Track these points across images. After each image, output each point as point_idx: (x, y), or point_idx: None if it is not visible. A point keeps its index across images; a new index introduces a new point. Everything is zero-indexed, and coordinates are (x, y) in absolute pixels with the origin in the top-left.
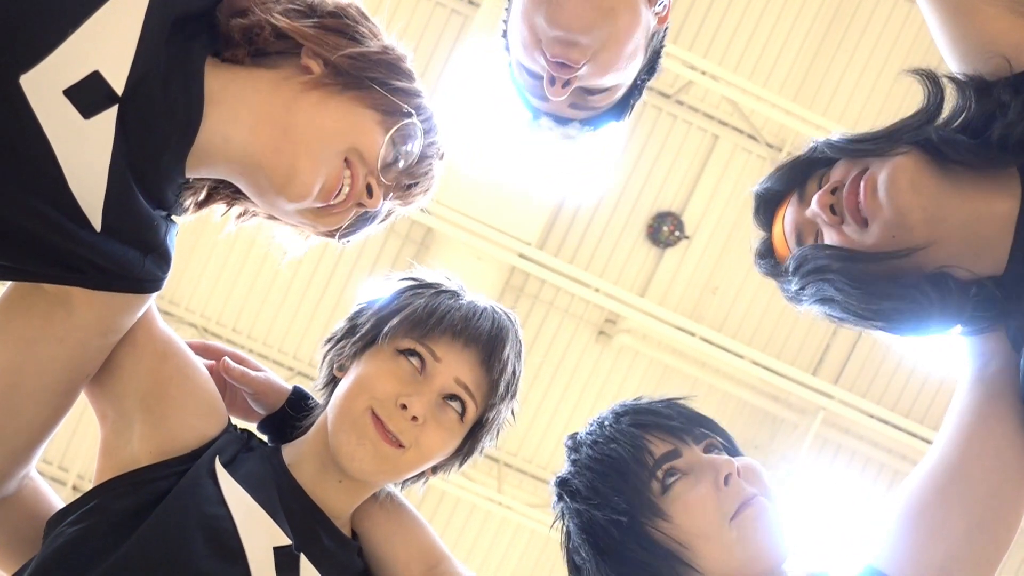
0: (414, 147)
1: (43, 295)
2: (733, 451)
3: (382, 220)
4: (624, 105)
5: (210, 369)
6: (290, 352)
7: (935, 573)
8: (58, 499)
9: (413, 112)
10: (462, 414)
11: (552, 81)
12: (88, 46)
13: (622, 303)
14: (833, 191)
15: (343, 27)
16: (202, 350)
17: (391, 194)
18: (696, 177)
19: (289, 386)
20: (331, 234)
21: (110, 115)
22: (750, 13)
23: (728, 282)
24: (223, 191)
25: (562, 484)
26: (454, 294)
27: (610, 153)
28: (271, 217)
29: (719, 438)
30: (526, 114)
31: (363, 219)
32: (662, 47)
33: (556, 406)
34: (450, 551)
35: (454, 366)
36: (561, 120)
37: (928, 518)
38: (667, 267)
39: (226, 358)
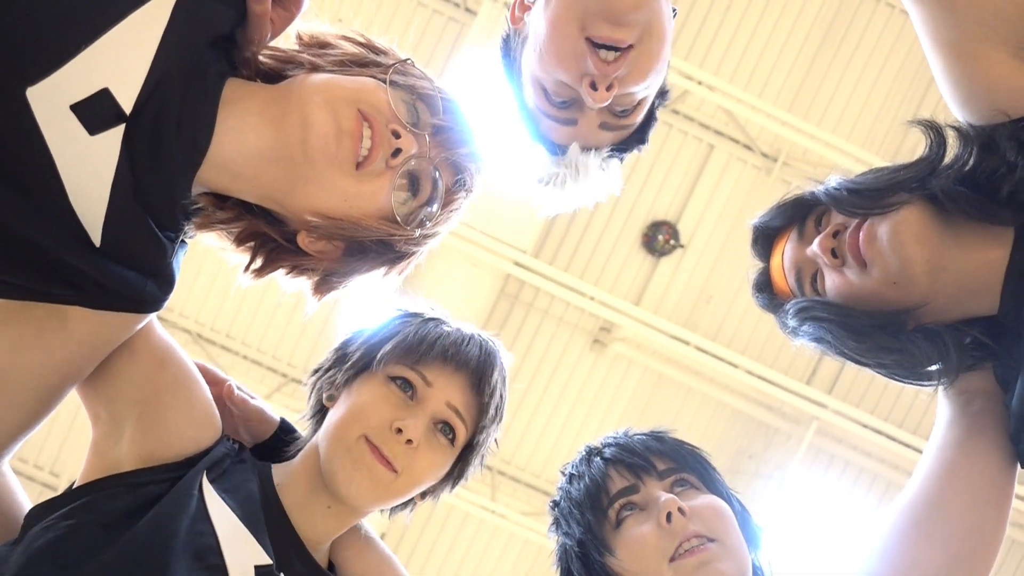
0: (419, 83)
1: (39, 304)
2: (711, 486)
3: (446, 204)
4: (645, 129)
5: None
6: (284, 359)
7: None
8: (26, 497)
9: (399, 61)
10: (452, 439)
11: (594, 86)
12: (100, 63)
13: (617, 311)
14: (835, 234)
15: (321, 41)
16: (211, 380)
17: (433, 146)
18: (691, 186)
19: (277, 418)
20: (401, 246)
21: (116, 133)
22: (746, 24)
23: (723, 291)
24: (254, 238)
25: (551, 510)
26: (440, 321)
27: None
28: (296, 268)
29: (692, 474)
30: (544, 154)
31: (424, 196)
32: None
33: (550, 414)
34: (442, 560)
35: (445, 390)
36: (591, 148)
37: (906, 552)
38: (662, 276)
39: (231, 383)
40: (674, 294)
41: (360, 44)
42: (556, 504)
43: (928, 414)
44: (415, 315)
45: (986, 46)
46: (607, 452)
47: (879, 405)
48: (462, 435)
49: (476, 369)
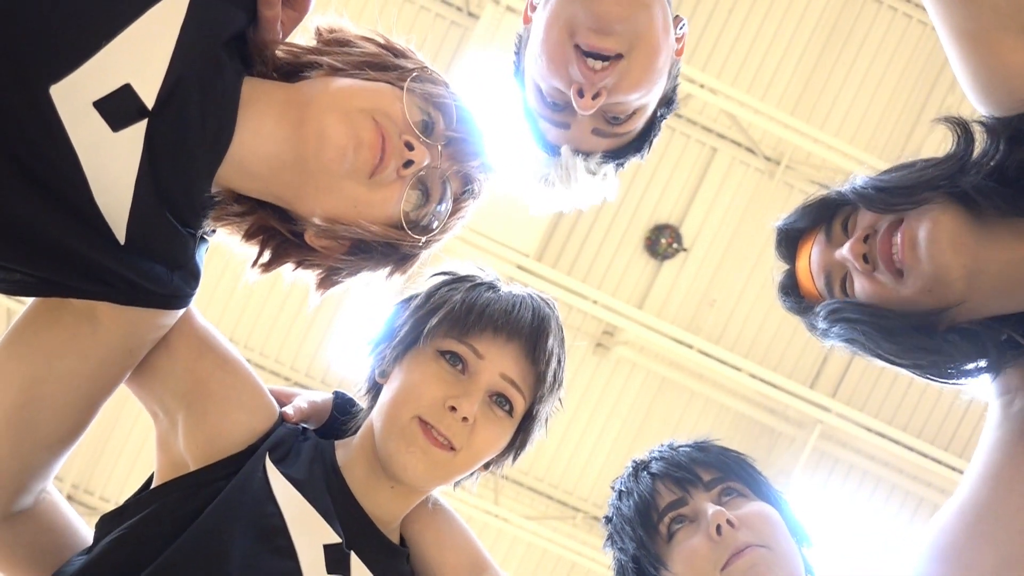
0: (435, 91)
1: (69, 309)
2: (759, 492)
3: (453, 211)
4: (644, 139)
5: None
6: (287, 363)
7: None
8: (74, 512)
9: (419, 67)
10: (510, 410)
11: (581, 93)
12: (121, 59)
13: (620, 315)
14: (865, 238)
15: (340, 39)
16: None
17: (445, 157)
18: (694, 190)
19: (330, 395)
20: (410, 238)
21: (139, 129)
22: (748, 26)
23: (726, 294)
24: (262, 232)
25: (603, 525)
26: (491, 286)
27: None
28: (302, 263)
29: (738, 481)
30: (540, 154)
31: (433, 203)
32: (677, 84)
33: (553, 418)
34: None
35: (498, 361)
36: (583, 153)
37: (958, 556)
38: (665, 279)
39: (284, 411)
40: (677, 297)
41: (380, 46)
42: (609, 520)
43: (932, 417)
44: (463, 280)
45: (1004, 35)
46: (653, 467)
47: (883, 408)
48: (520, 406)
49: (530, 336)
